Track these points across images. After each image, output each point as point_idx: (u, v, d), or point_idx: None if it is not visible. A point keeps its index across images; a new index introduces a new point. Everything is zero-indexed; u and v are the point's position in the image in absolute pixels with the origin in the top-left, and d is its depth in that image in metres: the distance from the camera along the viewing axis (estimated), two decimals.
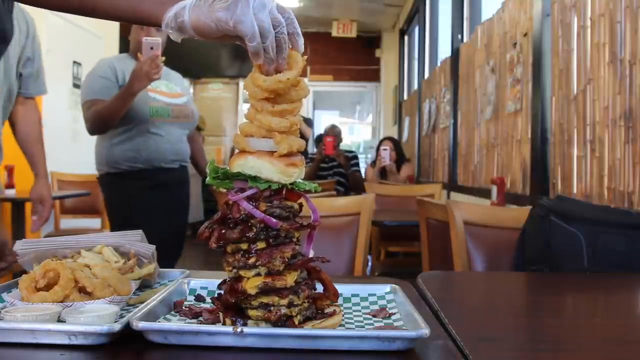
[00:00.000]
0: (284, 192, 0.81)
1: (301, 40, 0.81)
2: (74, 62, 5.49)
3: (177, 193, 2.67)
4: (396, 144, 5.36)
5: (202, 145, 3.04)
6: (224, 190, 0.82)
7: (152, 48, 2.28)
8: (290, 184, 0.81)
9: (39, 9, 0.99)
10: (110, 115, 2.38)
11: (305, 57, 0.82)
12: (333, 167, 5.26)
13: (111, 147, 2.51)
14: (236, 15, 0.76)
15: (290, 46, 0.80)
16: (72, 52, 5.44)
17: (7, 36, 1.17)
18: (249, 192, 0.79)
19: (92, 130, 2.51)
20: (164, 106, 2.53)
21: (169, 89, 2.58)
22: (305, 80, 0.85)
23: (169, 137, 2.55)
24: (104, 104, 2.39)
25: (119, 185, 2.54)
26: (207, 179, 0.82)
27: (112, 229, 2.57)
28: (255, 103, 0.81)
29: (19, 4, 1.22)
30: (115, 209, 2.60)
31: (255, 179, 0.79)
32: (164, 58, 2.32)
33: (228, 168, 0.82)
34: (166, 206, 2.58)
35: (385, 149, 5.07)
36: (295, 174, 0.80)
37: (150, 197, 2.52)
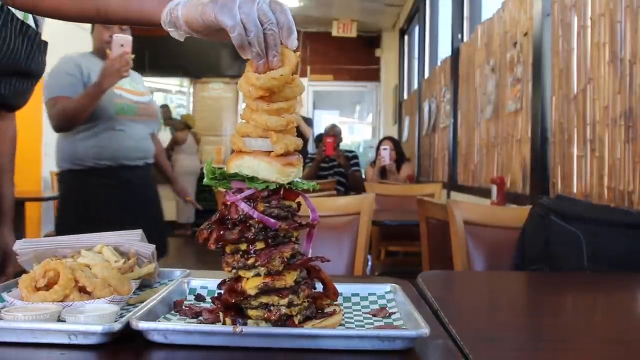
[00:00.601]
0: (281, 192, 0.81)
1: (293, 35, 0.79)
2: None
3: (142, 191, 2.60)
4: (396, 143, 5.35)
5: (162, 146, 3.02)
6: (223, 190, 0.82)
7: (122, 45, 2.29)
8: (288, 183, 0.80)
9: None
10: (78, 113, 2.34)
11: (299, 53, 0.81)
12: (333, 166, 5.25)
13: (75, 143, 2.46)
14: (218, 7, 0.77)
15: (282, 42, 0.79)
16: (73, 52, 5.44)
17: (33, 73, 1.19)
18: (246, 193, 0.79)
19: (59, 128, 2.45)
20: (129, 104, 2.50)
21: (133, 87, 2.56)
22: (306, 80, 0.84)
23: (132, 134, 2.50)
24: (71, 101, 2.36)
25: (81, 182, 2.47)
26: (205, 179, 0.82)
27: (60, 229, 2.47)
28: (251, 102, 0.80)
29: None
30: (73, 207, 2.51)
31: (252, 179, 0.79)
32: (133, 56, 2.32)
33: (225, 168, 0.82)
34: (130, 205, 2.50)
35: (385, 149, 5.07)
36: (292, 173, 0.80)
37: (113, 195, 2.46)
